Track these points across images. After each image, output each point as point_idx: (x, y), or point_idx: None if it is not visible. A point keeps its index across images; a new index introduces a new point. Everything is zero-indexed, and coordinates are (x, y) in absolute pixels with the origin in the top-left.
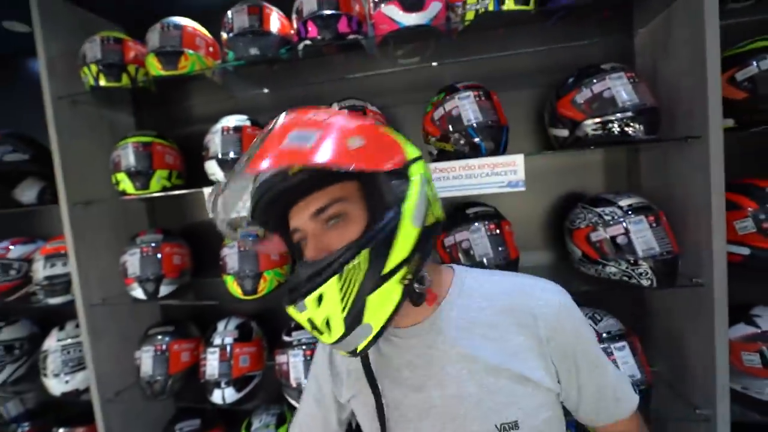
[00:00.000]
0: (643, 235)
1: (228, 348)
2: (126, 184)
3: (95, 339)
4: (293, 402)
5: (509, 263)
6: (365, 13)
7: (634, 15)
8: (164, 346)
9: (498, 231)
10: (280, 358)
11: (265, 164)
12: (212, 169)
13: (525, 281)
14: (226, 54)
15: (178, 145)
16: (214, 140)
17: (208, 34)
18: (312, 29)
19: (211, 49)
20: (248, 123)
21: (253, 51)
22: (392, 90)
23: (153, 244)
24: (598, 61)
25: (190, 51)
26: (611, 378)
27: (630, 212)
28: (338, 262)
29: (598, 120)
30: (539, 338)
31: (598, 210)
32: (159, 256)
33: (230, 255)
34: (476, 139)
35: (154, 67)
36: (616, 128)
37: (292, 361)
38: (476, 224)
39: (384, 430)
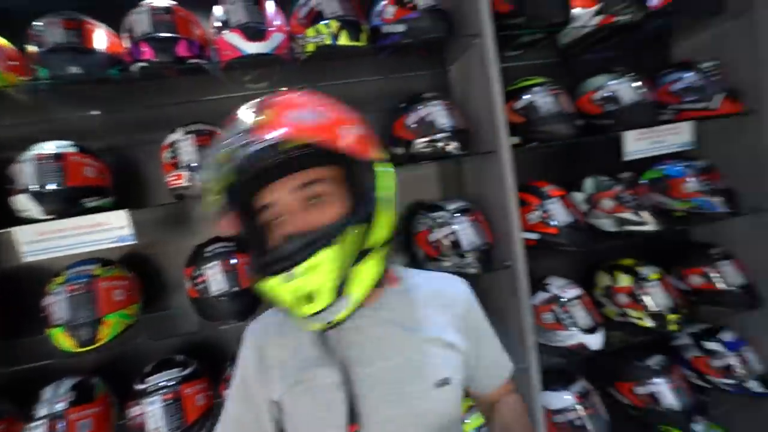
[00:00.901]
0: (466, 232)
1: (59, 416)
2: None
3: None
4: None
5: None
6: (207, 38)
7: (446, 54)
8: None
9: None
10: (134, 411)
11: (280, 132)
12: (24, 204)
13: (445, 276)
14: (35, 69)
15: None
16: (24, 170)
17: (8, 44)
18: (146, 51)
19: (14, 62)
20: (72, 149)
21: (74, 69)
22: None
23: None
24: (424, 89)
25: None
26: (498, 348)
27: (456, 214)
28: (333, 233)
29: (425, 139)
30: (458, 315)
31: (432, 214)
32: None
33: (57, 302)
34: None
35: None
36: (439, 145)
37: (149, 410)
38: None
39: (351, 400)
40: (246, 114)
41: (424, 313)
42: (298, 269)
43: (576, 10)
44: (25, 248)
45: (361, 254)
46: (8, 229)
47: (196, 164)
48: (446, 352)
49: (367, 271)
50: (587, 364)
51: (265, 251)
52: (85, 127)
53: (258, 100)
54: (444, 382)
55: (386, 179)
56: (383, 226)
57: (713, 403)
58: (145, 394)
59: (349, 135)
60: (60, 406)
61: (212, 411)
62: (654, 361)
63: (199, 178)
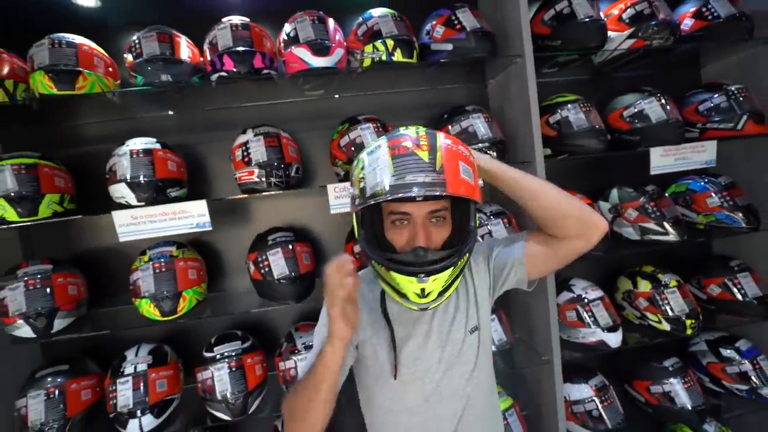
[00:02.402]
0: (500, 233)
1: (142, 375)
2: (6, 211)
3: None
4: (221, 415)
5: None
6: (275, 50)
7: (486, 70)
8: (59, 388)
9: None
10: (203, 375)
11: (456, 189)
12: (121, 192)
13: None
14: (132, 76)
15: (66, 167)
16: (122, 163)
17: (105, 53)
18: (228, 62)
19: (110, 69)
20: (158, 145)
21: (165, 77)
22: (298, 117)
23: (40, 276)
24: (464, 101)
25: (89, 71)
26: (508, 238)
27: (491, 216)
28: (455, 258)
29: None
30: (478, 273)
31: None
32: (49, 288)
33: (144, 277)
34: None
35: (44, 86)
36: None
37: (217, 375)
38: None
39: (394, 344)
40: (419, 150)
41: (462, 301)
42: (431, 277)
43: (610, 33)
44: (121, 230)
45: (461, 271)
46: (109, 213)
47: (265, 162)
48: (474, 308)
49: (458, 281)
50: (607, 361)
51: (382, 240)
52: (161, 125)
53: (421, 131)
54: (475, 329)
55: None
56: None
57: (726, 408)
58: (213, 360)
59: (479, 186)
60: (142, 367)
61: (267, 381)
62: (670, 362)
63: (373, 180)
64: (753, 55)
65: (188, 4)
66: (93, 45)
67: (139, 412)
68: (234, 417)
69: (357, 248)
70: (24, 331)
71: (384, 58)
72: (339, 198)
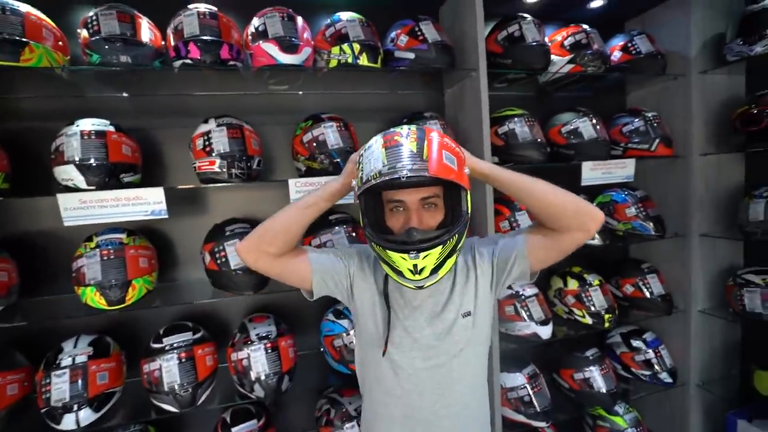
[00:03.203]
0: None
1: (81, 367)
2: None
3: None
4: (167, 407)
5: None
6: (242, 42)
7: (444, 80)
8: None
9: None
10: (150, 366)
11: (438, 172)
12: (69, 174)
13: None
14: (86, 53)
15: (1, 144)
16: (71, 143)
17: (54, 25)
18: (193, 50)
19: (60, 43)
20: (112, 128)
21: (125, 59)
22: (261, 110)
23: None
24: (423, 107)
25: (36, 43)
26: (506, 237)
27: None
28: (443, 238)
29: None
30: (475, 266)
31: None
32: None
33: (90, 264)
34: (337, 160)
35: None
36: None
37: (166, 366)
38: (337, 227)
39: (389, 325)
40: (408, 142)
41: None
42: (422, 254)
43: (554, 57)
44: (66, 214)
45: (452, 250)
46: (54, 195)
47: (227, 153)
48: (470, 291)
49: (450, 262)
50: (538, 352)
51: (383, 226)
52: (113, 106)
53: (412, 128)
54: (468, 314)
55: (469, 201)
56: (465, 233)
57: (633, 391)
58: (162, 351)
59: (466, 175)
60: (81, 359)
61: (216, 372)
62: (591, 352)
63: (368, 168)
64: (666, 87)
65: None
66: (41, 15)
67: (76, 407)
68: (182, 408)
69: (315, 241)
70: None
71: (350, 60)
72: (300, 193)
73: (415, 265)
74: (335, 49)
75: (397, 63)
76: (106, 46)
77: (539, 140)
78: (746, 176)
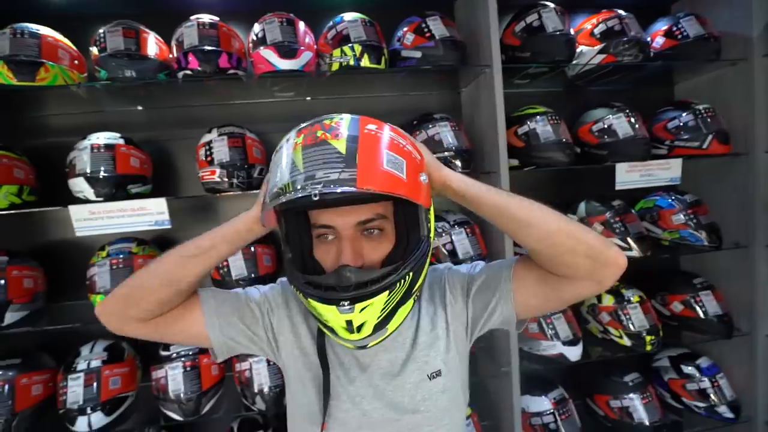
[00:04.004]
0: (463, 243)
1: (95, 372)
2: None
3: None
4: (173, 415)
5: None
6: (244, 50)
7: (459, 78)
8: (8, 381)
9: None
10: (158, 373)
11: (374, 183)
12: (80, 186)
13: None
14: (96, 70)
15: (29, 159)
16: (82, 157)
17: (71, 45)
18: (192, 61)
19: (76, 62)
20: (121, 141)
21: (129, 73)
22: (267, 118)
23: None
24: (438, 108)
25: (52, 63)
26: (490, 268)
27: (455, 226)
28: (391, 279)
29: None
30: (444, 302)
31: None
32: (2, 281)
33: (100, 273)
34: None
35: (3, 76)
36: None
37: (171, 374)
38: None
39: (327, 390)
40: (333, 138)
41: (421, 334)
42: (358, 305)
43: (582, 48)
44: (78, 225)
45: (405, 295)
46: (66, 207)
47: (227, 162)
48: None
49: (405, 309)
50: (571, 374)
51: (310, 259)
52: (128, 120)
53: (344, 117)
54: (436, 375)
55: (432, 221)
56: (426, 267)
57: (686, 424)
58: (169, 359)
59: (422, 186)
60: (96, 363)
61: (223, 381)
62: (631, 377)
63: (274, 177)
64: (721, 75)
65: (158, 0)
66: (59, 36)
67: (89, 409)
68: (186, 417)
69: None
70: None
71: (351, 62)
72: None
73: (349, 322)
74: (336, 52)
75: (403, 63)
76: (113, 62)
77: (564, 140)
78: None
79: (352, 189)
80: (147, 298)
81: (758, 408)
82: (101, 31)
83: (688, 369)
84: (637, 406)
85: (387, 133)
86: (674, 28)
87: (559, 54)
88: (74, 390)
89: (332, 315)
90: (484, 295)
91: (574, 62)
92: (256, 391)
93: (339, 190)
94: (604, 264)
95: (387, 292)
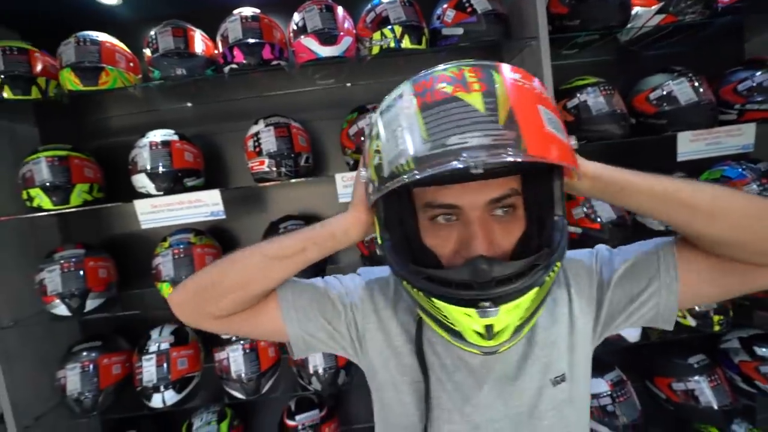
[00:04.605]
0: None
1: (165, 353)
2: (42, 200)
3: (7, 363)
4: (236, 394)
5: None
6: (286, 40)
7: (502, 53)
8: (92, 362)
9: None
10: (220, 355)
11: (543, 151)
12: (142, 182)
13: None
14: (150, 71)
15: (95, 158)
16: (142, 154)
17: (127, 49)
18: (238, 55)
19: (131, 64)
20: (176, 137)
21: (180, 71)
22: (310, 106)
23: (74, 259)
24: None
25: (111, 67)
26: (634, 249)
27: None
28: (539, 272)
29: None
30: (570, 302)
31: None
32: (81, 271)
33: (164, 263)
34: None
35: (71, 82)
36: None
37: (232, 356)
38: None
39: (428, 398)
40: (467, 94)
41: (540, 331)
42: (503, 307)
43: (636, 9)
44: (142, 218)
45: (548, 292)
46: (131, 202)
47: (275, 152)
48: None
49: (542, 309)
50: (630, 356)
51: (418, 247)
52: (180, 117)
53: (467, 65)
54: (561, 380)
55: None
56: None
57: (760, 409)
58: (229, 342)
59: (572, 147)
60: (165, 345)
61: (280, 363)
62: (696, 359)
63: (385, 148)
64: None
65: None
66: (115, 41)
67: (162, 387)
68: (248, 396)
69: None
70: (60, 309)
71: (392, 45)
72: (348, 187)
73: (489, 327)
74: (376, 35)
75: (445, 41)
76: (164, 62)
77: (618, 111)
78: None
79: (525, 158)
80: (221, 298)
81: None
82: (152, 32)
83: (762, 351)
84: (703, 389)
85: (536, 83)
86: None
87: (612, 19)
88: (148, 370)
89: (467, 319)
90: (633, 285)
91: (628, 26)
92: (311, 372)
93: (509, 160)
94: None
95: (537, 288)
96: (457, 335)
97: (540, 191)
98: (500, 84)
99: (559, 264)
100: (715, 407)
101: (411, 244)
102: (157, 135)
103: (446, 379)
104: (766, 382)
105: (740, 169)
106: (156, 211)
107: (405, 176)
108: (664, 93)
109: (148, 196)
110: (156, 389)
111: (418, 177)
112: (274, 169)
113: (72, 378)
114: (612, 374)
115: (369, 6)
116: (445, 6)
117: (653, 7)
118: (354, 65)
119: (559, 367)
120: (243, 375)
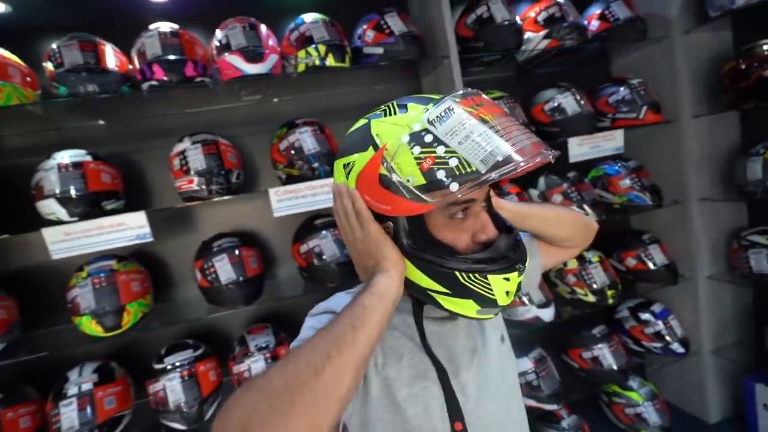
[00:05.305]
0: None
1: (88, 394)
2: None
3: None
4: (176, 425)
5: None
6: (208, 57)
7: (419, 69)
8: None
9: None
10: (155, 387)
11: (550, 152)
12: (51, 208)
13: None
14: (54, 86)
15: None
16: (50, 178)
17: (21, 62)
18: (158, 71)
19: (28, 78)
20: (89, 158)
21: (92, 88)
22: (237, 122)
23: None
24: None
25: (3, 82)
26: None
27: None
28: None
29: None
30: None
31: None
32: None
33: (83, 294)
34: (315, 165)
35: None
36: None
37: (169, 386)
38: (324, 232)
39: (449, 386)
40: (499, 115)
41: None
42: (523, 267)
43: (528, 34)
44: (53, 247)
45: None
46: (38, 230)
47: (204, 169)
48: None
49: None
50: (546, 334)
51: (432, 241)
52: (89, 135)
53: (471, 91)
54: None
55: None
56: None
57: (648, 364)
58: (164, 372)
59: None
60: (87, 386)
61: (222, 386)
62: (598, 330)
63: (465, 150)
64: (649, 51)
65: (109, 10)
66: (5, 53)
67: None
68: (189, 425)
69: (303, 248)
70: None
71: (317, 63)
72: (281, 201)
73: (510, 285)
74: (301, 53)
75: (366, 59)
76: (72, 78)
77: (521, 121)
78: (743, 135)
79: (552, 154)
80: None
81: (703, 341)
82: (55, 45)
83: (645, 315)
84: (605, 354)
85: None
86: (606, 12)
87: (510, 42)
88: (68, 416)
89: (505, 284)
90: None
91: (522, 48)
92: None
93: (553, 154)
94: (590, 232)
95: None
96: (491, 303)
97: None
98: (497, 106)
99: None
100: (615, 368)
101: (426, 240)
102: (66, 156)
103: (449, 368)
104: (650, 341)
105: (617, 167)
106: (70, 239)
107: (510, 165)
108: (555, 105)
109: (59, 222)
110: None
111: (523, 165)
112: (204, 187)
113: None
114: (534, 353)
115: (292, 25)
116: (364, 27)
117: (541, 33)
118: (279, 81)
119: (500, 328)
120: (182, 404)
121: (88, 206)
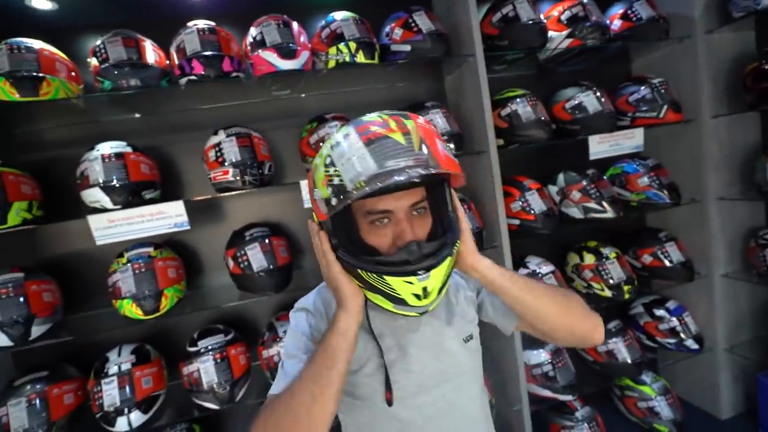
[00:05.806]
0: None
1: (127, 374)
2: None
3: None
4: (209, 405)
5: None
6: (242, 53)
7: (443, 67)
8: (40, 394)
9: None
10: (189, 368)
11: (448, 164)
12: (95, 196)
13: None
14: (98, 81)
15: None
16: (94, 167)
17: (66, 57)
18: (197, 66)
19: (72, 73)
20: (129, 149)
21: (134, 82)
22: (266, 116)
23: (12, 284)
24: (425, 96)
25: (52, 76)
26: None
27: None
28: (449, 247)
29: None
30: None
31: None
32: (22, 297)
33: (124, 279)
34: None
35: (5, 92)
36: None
37: (203, 367)
38: None
39: (385, 364)
40: (391, 133)
41: (452, 307)
42: (432, 273)
43: (551, 33)
44: (97, 234)
45: (453, 264)
46: (84, 218)
47: (239, 161)
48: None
49: (449, 279)
50: None
51: (362, 246)
52: (127, 128)
53: (386, 114)
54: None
55: (455, 196)
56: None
57: (660, 359)
58: (198, 354)
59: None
60: (126, 366)
61: (251, 370)
62: (613, 324)
63: (344, 171)
64: (671, 51)
65: (146, 7)
66: (53, 49)
67: (126, 410)
68: (222, 405)
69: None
70: (1, 340)
71: (348, 59)
72: None
73: (424, 288)
74: (332, 50)
75: (394, 56)
76: (116, 72)
77: (543, 119)
78: (763, 135)
79: (439, 170)
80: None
81: (718, 338)
82: (100, 42)
83: (660, 312)
84: (620, 348)
85: (429, 124)
86: (629, 11)
87: (534, 41)
88: (110, 393)
89: (408, 286)
90: (492, 308)
91: (546, 47)
92: None
93: (433, 172)
94: (582, 340)
95: (449, 257)
96: (400, 302)
97: (438, 197)
98: (412, 125)
99: (458, 243)
100: (629, 362)
101: (356, 244)
102: (108, 147)
103: (396, 349)
104: (663, 337)
105: (635, 165)
106: (113, 225)
107: (367, 188)
108: (576, 103)
109: (103, 210)
110: (120, 412)
111: (378, 188)
112: (239, 178)
113: (16, 414)
114: (551, 345)
115: (323, 22)
116: (393, 25)
117: (564, 32)
118: (309, 77)
119: (468, 329)
120: (215, 384)
121: (130, 195)
